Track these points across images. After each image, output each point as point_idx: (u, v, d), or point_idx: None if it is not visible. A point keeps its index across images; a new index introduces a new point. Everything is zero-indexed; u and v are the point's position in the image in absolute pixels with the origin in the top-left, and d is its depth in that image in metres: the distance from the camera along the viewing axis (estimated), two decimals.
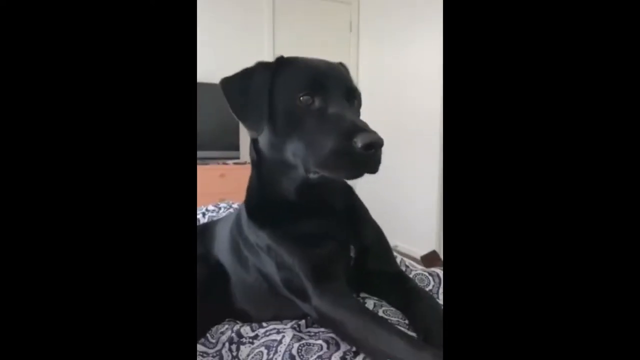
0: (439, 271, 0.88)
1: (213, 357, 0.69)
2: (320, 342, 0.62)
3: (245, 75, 0.70)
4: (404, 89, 2.93)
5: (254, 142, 0.75)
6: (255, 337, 0.68)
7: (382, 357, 0.55)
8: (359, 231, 0.77)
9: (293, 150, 0.66)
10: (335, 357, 0.58)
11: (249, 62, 0.72)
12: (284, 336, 0.65)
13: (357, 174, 0.62)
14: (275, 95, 0.67)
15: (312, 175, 0.65)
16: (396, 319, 0.69)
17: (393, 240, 1.06)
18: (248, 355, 0.65)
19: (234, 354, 0.67)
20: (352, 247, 0.73)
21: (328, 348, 0.60)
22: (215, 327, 0.77)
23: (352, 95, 0.71)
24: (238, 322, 0.79)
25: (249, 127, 0.69)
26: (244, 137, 2.92)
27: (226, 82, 0.70)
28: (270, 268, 0.71)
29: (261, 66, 0.71)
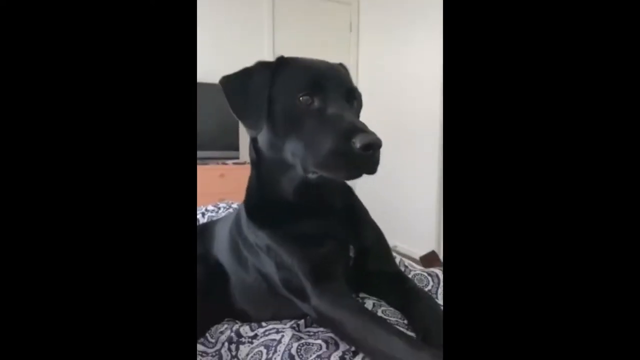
0: (438, 271, 0.88)
1: (212, 356, 0.69)
2: (319, 341, 0.62)
3: (246, 73, 0.70)
4: (403, 89, 2.93)
5: (254, 142, 0.75)
6: (255, 336, 0.69)
7: (381, 356, 0.55)
8: (359, 231, 0.77)
9: (292, 150, 0.66)
10: (334, 357, 0.58)
11: (249, 63, 0.72)
12: (283, 336, 0.65)
13: (355, 175, 0.62)
14: (274, 95, 0.68)
15: (310, 176, 0.65)
16: (395, 319, 0.69)
17: (392, 240, 1.07)
18: (247, 355, 0.65)
19: (233, 353, 0.67)
20: (351, 247, 0.74)
21: (327, 348, 0.60)
22: (215, 326, 0.77)
23: (351, 96, 0.71)
24: (237, 321, 0.79)
25: (248, 125, 0.69)
26: (244, 137, 2.92)
27: (226, 80, 0.71)
28: (270, 268, 0.72)
29: (261, 65, 0.71)
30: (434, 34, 2.52)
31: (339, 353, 0.59)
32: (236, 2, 3.17)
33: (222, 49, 3.03)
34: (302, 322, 0.70)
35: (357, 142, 0.57)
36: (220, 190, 2.54)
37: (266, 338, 0.66)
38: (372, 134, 0.59)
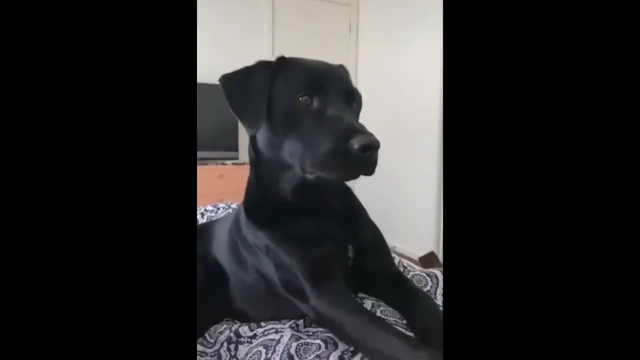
0: (437, 272, 0.88)
1: (211, 356, 0.69)
2: (318, 341, 0.62)
3: (246, 72, 0.71)
4: (403, 89, 2.93)
5: (253, 141, 0.75)
6: (254, 336, 0.69)
7: (380, 356, 0.55)
8: (357, 231, 0.77)
9: (290, 150, 0.66)
10: (333, 357, 0.58)
11: (249, 63, 0.72)
12: (282, 336, 0.65)
13: (353, 176, 0.62)
14: (274, 94, 0.68)
15: (308, 176, 0.65)
16: (394, 319, 0.69)
17: (391, 241, 1.07)
18: (246, 355, 0.65)
19: (233, 353, 0.67)
20: (350, 247, 0.74)
21: (326, 347, 0.60)
22: (214, 326, 0.77)
23: (351, 98, 0.71)
24: (236, 321, 0.79)
25: (247, 124, 0.69)
26: (243, 137, 2.92)
27: (226, 78, 0.71)
28: (269, 268, 0.72)
29: (262, 65, 0.71)
30: (434, 34, 2.52)
31: (337, 353, 0.59)
32: (236, 2, 3.17)
33: (222, 49, 3.04)
34: (301, 322, 0.70)
35: (355, 143, 0.57)
36: (219, 190, 2.54)
37: (265, 338, 0.66)
38: (370, 135, 0.59)
